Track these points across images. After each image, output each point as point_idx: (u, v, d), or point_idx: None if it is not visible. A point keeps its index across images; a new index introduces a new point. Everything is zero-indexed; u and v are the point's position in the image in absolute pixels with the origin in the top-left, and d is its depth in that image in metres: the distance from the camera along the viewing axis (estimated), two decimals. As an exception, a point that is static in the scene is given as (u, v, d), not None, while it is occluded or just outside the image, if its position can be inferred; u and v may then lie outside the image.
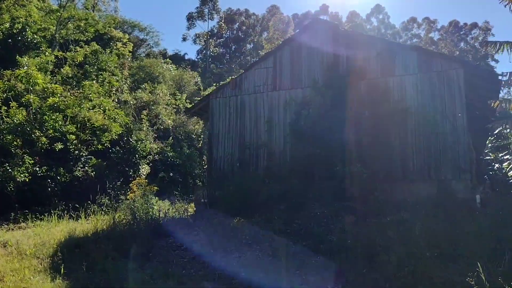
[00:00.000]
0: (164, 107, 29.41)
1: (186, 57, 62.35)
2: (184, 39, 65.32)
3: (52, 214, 14.65)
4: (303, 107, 15.13)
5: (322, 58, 15.41)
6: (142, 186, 13.94)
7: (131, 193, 14.10)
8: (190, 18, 62.94)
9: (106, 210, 17.02)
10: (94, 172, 18.94)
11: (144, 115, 25.29)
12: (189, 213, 15.78)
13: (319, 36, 15.56)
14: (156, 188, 14.16)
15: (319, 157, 13.63)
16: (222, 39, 69.16)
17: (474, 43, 65.61)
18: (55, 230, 11.98)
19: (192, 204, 17.73)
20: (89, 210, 16.67)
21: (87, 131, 18.72)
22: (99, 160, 19.75)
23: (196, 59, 66.62)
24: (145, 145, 22.61)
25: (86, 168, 18.99)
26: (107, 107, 19.20)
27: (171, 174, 24.86)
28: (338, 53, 15.18)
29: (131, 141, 22.25)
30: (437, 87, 13.71)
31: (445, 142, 13.41)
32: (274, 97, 16.00)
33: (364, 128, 14.01)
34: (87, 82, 20.09)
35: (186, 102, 30.34)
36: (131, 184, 14.30)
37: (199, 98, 41.14)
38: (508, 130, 17.09)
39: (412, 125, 13.76)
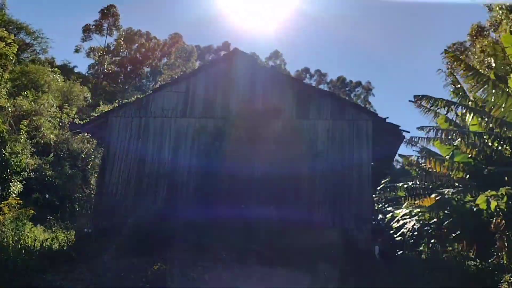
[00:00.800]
0: (48, 120, 26.27)
1: (76, 70, 57.86)
2: (77, 51, 60.34)
3: None
4: (215, 138, 14.28)
5: (239, 90, 14.86)
6: (14, 208, 11.72)
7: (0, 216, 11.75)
8: (86, 30, 58.67)
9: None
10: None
11: (24, 126, 22.14)
12: (70, 244, 13.66)
13: (238, 67, 15.03)
14: (32, 211, 12.01)
15: (228, 194, 12.79)
16: (118, 57, 65.84)
17: (357, 100, 71.58)
18: None
19: (73, 234, 15.51)
20: None
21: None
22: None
23: (87, 74, 62.26)
24: (21, 160, 19.64)
25: None
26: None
27: (47, 196, 21.90)
28: (255, 88, 14.80)
29: (3, 154, 19.15)
30: (347, 135, 13.94)
31: (351, 191, 13.54)
32: (183, 124, 14.91)
33: (277, 169, 13.56)
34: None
35: (75, 117, 27.49)
36: (1, 205, 11.92)
37: (88, 115, 38.29)
38: (400, 184, 18.14)
39: (321, 170, 13.69)
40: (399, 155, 20.98)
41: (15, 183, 19.23)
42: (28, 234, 11.78)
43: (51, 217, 18.33)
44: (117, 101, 24.39)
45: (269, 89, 14.68)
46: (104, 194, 14.79)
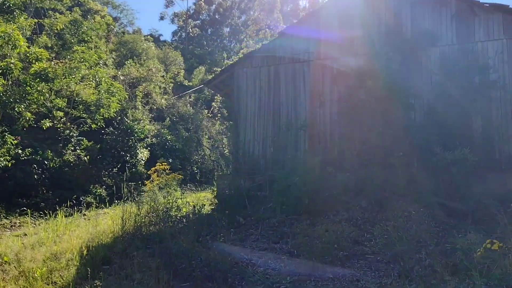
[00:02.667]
0: (158, 85, 26.06)
1: (161, 38, 58.26)
2: (162, 18, 60.97)
3: (47, 209, 11.47)
4: (358, 79, 12.39)
5: (380, 19, 12.70)
6: (163, 173, 11.03)
7: (148, 182, 11.14)
8: (169, -6, 58.45)
9: (109, 203, 14.06)
10: (87, 157, 15.71)
11: (140, 92, 21.92)
12: (212, 208, 12.96)
13: (375, -8, 12.83)
14: (180, 176, 11.27)
15: (395, 140, 10.99)
16: (198, 21, 65.13)
17: None
18: (63, 232, 8.88)
19: (212, 196, 14.87)
20: (84, 204, 13.65)
21: (80, 107, 15.40)
22: (92, 143, 16.51)
23: (171, 41, 62.56)
24: (144, 126, 19.42)
25: (78, 151, 15.73)
26: (102, 79, 15.86)
27: (170, 160, 21.77)
28: (401, 12, 12.52)
29: (126, 121, 19.02)
30: (528, 56, 11.28)
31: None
32: (317, 67, 13.21)
33: (448, 105, 11.39)
34: (78, 47, 16.64)
35: (184, 79, 26.99)
36: (149, 171, 11.30)
37: (188, 79, 38.14)
38: None
39: (498, 102, 11.29)
40: None
41: (141, 150, 19.11)
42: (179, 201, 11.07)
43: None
44: (198, 66, 23.17)
45: (418, 11, 12.32)
46: (241, 152, 13.76)
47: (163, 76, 27.17)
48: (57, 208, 12.15)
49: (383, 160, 10.84)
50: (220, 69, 15.45)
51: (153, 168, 11.14)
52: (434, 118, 11.02)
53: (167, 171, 10.96)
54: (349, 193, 9.53)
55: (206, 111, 33.53)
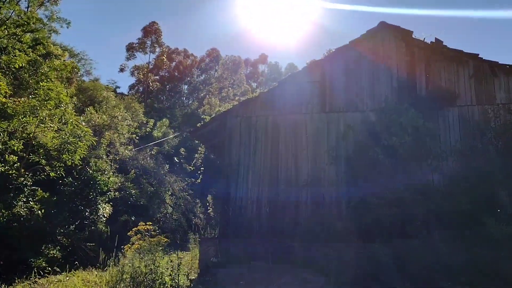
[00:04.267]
0: (123, 134, 23.90)
1: (118, 90, 56.39)
2: (122, 70, 59.17)
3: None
4: (368, 135, 11.14)
5: (392, 74, 11.76)
6: (147, 234, 8.98)
7: (127, 247, 8.99)
8: (130, 48, 57.22)
9: (64, 268, 11.60)
10: (41, 210, 13.19)
11: (105, 140, 19.71)
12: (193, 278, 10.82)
13: (386, 44, 11.97)
14: (166, 240, 9.22)
15: (415, 205, 9.57)
16: (157, 77, 64.15)
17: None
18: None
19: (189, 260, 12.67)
20: (35, 269, 11.12)
21: (40, 151, 13.11)
22: (48, 194, 14.03)
23: (128, 94, 60.76)
24: (108, 178, 17.09)
25: (31, 203, 13.19)
26: (69, 121, 13.73)
27: (132, 218, 19.28)
28: (414, 69, 11.66)
29: (89, 171, 16.66)
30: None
31: None
32: (322, 120, 11.91)
33: (462, 177, 10.19)
34: (43, 83, 14.55)
35: (151, 129, 25.00)
36: (130, 232, 9.18)
37: (155, 131, 36.09)
38: None
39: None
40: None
41: (103, 205, 16.65)
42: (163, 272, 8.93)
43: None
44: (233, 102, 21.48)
45: (434, 68, 11.51)
46: (231, 212, 11.87)
47: (129, 125, 25.08)
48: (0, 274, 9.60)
49: (399, 228, 9.37)
50: (204, 119, 13.73)
51: (134, 228, 9.06)
52: (462, 185, 9.75)
53: (152, 232, 8.88)
54: (389, 272, 7.82)
55: (167, 165, 31.40)
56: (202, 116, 50.46)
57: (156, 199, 23.58)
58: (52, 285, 10.81)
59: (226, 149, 12.43)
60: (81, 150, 13.40)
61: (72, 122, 13.61)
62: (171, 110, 58.77)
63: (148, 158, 29.65)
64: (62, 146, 13.11)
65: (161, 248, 8.91)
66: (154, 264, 8.42)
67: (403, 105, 10.91)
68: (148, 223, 9.12)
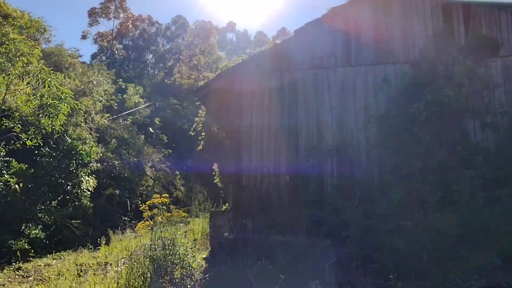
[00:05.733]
0: (100, 101, 21.66)
1: (81, 60, 53.04)
2: (84, 37, 54.97)
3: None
4: (401, 92, 9.75)
5: (426, 20, 10.30)
6: (163, 207, 7.40)
7: (140, 224, 7.40)
8: (93, 13, 53.21)
9: (49, 249, 9.97)
10: (19, 185, 11.27)
11: (82, 106, 17.54)
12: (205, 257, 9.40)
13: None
14: (185, 214, 7.69)
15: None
16: (121, 46, 60.55)
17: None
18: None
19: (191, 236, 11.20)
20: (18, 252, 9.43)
21: (16, 115, 11.11)
22: (26, 166, 12.07)
23: (91, 63, 57.38)
24: (90, 147, 15.15)
25: (6, 176, 11.23)
26: (47, 80, 11.66)
27: (117, 192, 17.48)
28: (451, 15, 10.23)
29: (67, 141, 14.66)
30: None
31: None
32: (347, 75, 10.41)
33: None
34: (14, 35, 12.34)
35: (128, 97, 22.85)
36: (142, 207, 7.55)
37: (140, 98, 33.82)
38: None
39: None
40: None
41: (86, 178, 14.77)
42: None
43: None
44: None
45: (473, 13, 10.12)
46: (244, 183, 10.35)
47: (105, 91, 22.80)
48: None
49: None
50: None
51: (148, 202, 7.40)
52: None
53: (169, 206, 7.30)
54: (462, 244, 6.54)
55: (142, 136, 29.36)
56: (174, 84, 47.79)
57: (138, 171, 21.76)
58: (41, 269, 9.12)
59: (234, 112, 10.78)
60: (63, 115, 11.43)
61: (50, 82, 11.55)
62: (139, 79, 55.88)
63: (122, 129, 27.55)
64: (40, 110, 11.09)
65: (181, 224, 7.35)
66: (174, 244, 6.87)
67: (450, 54, 9.52)
68: (164, 195, 7.47)
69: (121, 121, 28.07)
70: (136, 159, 21.24)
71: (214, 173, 13.49)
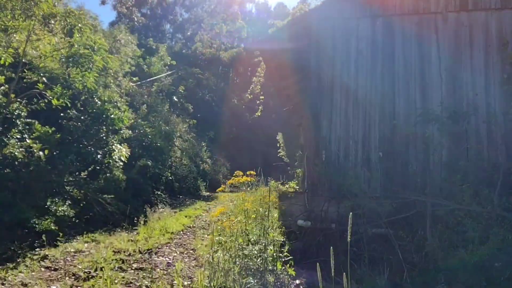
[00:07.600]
0: (128, 62, 19.53)
1: (99, 27, 50.65)
2: (103, 2, 52.87)
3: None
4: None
5: None
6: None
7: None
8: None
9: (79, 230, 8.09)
10: (44, 151, 9.29)
11: (114, 64, 15.32)
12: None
13: None
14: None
15: None
16: (139, 14, 58.02)
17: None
18: None
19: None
20: (44, 234, 7.53)
21: (41, 66, 9.03)
22: (52, 129, 10.07)
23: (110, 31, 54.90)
24: (123, 112, 13.09)
25: (28, 141, 9.23)
26: (77, 26, 9.52)
27: (149, 163, 15.50)
28: None
29: (97, 103, 12.56)
30: None
31: None
32: (461, 23, 8.06)
33: None
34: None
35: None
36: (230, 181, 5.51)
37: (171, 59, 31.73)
38: None
39: None
40: None
41: (118, 146, 12.76)
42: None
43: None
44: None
45: None
46: (324, 157, 8.20)
47: (134, 51, 20.61)
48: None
49: None
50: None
51: (230, 181, 5.33)
52: None
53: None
54: None
55: (167, 104, 27.26)
56: (194, 54, 45.33)
57: (170, 141, 19.79)
58: (71, 258, 7.19)
59: (312, 68, 8.53)
60: (97, 68, 9.31)
61: (80, 28, 9.42)
62: (158, 50, 53.72)
63: (146, 96, 25.44)
64: (69, 61, 8.96)
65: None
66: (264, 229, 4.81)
67: None
68: (250, 172, 5.37)
69: (144, 88, 26.03)
70: (167, 128, 19.19)
71: (278, 144, 11.32)
